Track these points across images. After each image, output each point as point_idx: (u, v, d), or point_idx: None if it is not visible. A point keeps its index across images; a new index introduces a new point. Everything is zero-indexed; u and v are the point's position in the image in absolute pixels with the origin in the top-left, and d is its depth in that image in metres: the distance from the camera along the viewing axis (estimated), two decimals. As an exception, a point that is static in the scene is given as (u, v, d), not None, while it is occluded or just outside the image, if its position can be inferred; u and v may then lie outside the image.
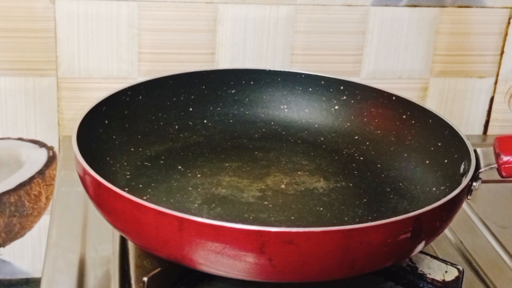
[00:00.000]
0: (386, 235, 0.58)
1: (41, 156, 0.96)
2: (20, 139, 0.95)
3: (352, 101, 0.85)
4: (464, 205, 0.81)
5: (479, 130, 1.05)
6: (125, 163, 0.76)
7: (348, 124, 0.84)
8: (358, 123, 0.84)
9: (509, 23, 0.99)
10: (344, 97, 0.85)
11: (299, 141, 0.84)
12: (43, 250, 0.74)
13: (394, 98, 0.81)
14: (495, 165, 0.67)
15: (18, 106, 0.93)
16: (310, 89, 0.86)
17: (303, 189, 0.75)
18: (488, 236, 0.79)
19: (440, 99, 1.02)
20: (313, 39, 0.95)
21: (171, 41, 0.93)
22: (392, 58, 0.98)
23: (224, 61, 0.95)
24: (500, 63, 1.01)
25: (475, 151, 0.69)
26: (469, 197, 0.67)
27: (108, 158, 0.75)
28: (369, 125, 0.83)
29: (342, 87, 0.85)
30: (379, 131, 0.82)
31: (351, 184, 0.76)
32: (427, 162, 0.76)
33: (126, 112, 0.79)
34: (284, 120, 0.86)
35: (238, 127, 0.85)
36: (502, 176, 0.67)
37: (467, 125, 1.04)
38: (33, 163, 0.96)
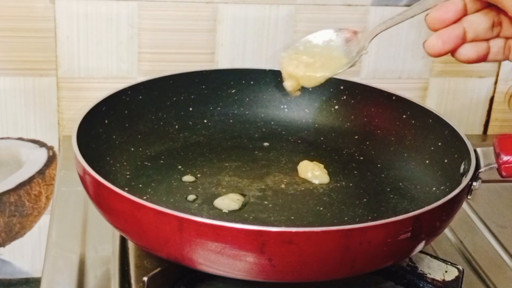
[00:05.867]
0: (386, 235, 0.58)
1: (41, 156, 0.96)
2: (20, 139, 0.95)
3: (352, 101, 0.85)
4: (464, 205, 0.81)
5: (479, 130, 1.05)
6: (125, 163, 0.76)
7: (348, 124, 0.84)
8: (358, 123, 0.84)
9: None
10: (344, 97, 0.85)
11: (299, 141, 0.84)
12: (43, 250, 0.74)
13: (394, 98, 0.81)
14: (495, 165, 0.67)
15: (18, 106, 0.93)
16: (310, 89, 0.86)
17: (303, 189, 0.75)
18: (488, 236, 0.79)
19: (440, 99, 1.02)
20: (313, 39, 0.95)
21: (171, 41, 0.93)
22: (392, 58, 0.98)
23: (224, 61, 0.95)
24: (500, 63, 1.01)
25: (475, 151, 0.69)
26: (469, 197, 0.67)
27: (108, 158, 0.75)
28: (369, 125, 0.83)
29: (342, 87, 0.85)
30: (379, 131, 0.82)
31: (351, 184, 0.76)
32: (427, 162, 0.76)
33: (126, 112, 0.79)
34: (284, 120, 0.86)
35: (238, 127, 0.85)
36: (502, 176, 0.67)
37: (467, 125, 1.04)
38: (33, 163, 0.96)
